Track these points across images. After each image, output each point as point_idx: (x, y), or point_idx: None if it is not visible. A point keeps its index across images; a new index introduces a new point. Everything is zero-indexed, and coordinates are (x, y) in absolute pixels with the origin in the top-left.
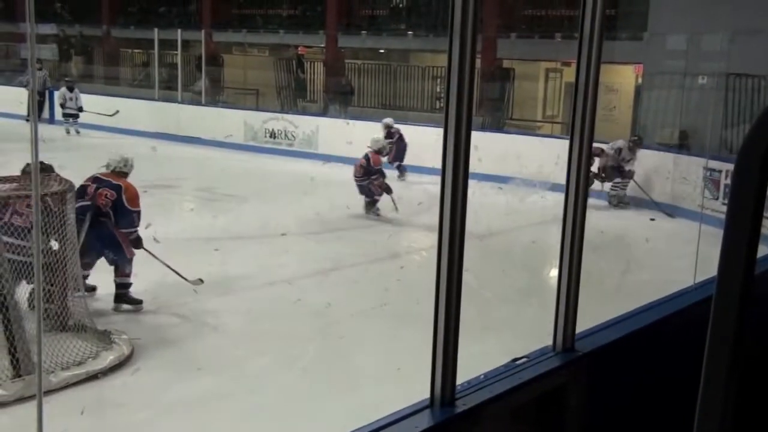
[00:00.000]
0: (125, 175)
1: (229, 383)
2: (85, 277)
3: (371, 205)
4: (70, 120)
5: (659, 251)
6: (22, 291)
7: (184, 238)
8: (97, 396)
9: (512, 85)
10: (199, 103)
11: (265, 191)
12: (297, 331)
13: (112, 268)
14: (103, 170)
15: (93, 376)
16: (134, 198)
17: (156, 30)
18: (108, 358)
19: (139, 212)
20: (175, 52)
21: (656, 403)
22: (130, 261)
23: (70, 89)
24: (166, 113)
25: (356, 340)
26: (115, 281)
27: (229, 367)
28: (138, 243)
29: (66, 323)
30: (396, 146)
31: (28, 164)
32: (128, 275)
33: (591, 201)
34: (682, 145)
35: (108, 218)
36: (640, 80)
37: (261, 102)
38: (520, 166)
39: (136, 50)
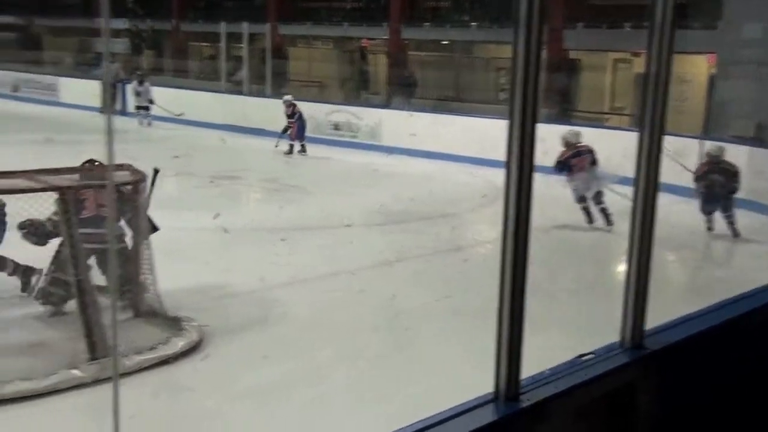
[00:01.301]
0: None
1: (295, 372)
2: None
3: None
4: (142, 112)
5: (734, 248)
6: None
7: (251, 228)
8: (168, 380)
9: (579, 77)
10: (264, 95)
11: (329, 183)
12: (361, 322)
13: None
14: None
15: (164, 361)
16: None
17: (223, 24)
18: (178, 344)
19: None
20: (242, 45)
21: (731, 403)
22: None
23: (141, 82)
24: (233, 105)
25: (420, 331)
26: None
27: (295, 355)
28: None
29: (139, 310)
30: (298, 124)
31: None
32: None
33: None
34: (759, 137)
35: None
36: (713, 70)
37: (324, 94)
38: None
39: (203, 44)
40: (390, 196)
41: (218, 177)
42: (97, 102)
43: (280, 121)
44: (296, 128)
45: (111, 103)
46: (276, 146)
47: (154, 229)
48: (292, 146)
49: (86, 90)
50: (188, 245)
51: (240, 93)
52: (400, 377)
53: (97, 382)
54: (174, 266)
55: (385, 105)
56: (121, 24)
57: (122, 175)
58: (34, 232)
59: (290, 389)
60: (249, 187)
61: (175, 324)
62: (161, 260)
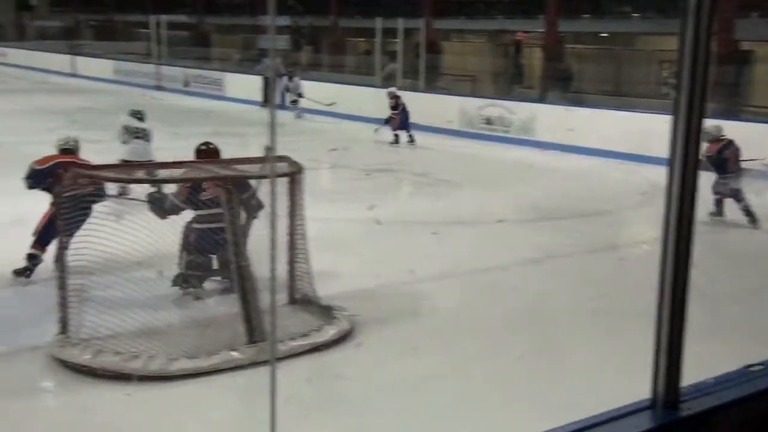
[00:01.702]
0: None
1: (443, 365)
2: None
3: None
4: (292, 106)
5: None
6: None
7: (403, 220)
8: (321, 366)
9: (751, 69)
10: (417, 90)
11: (480, 177)
12: (511, 319)
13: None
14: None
15: (316, 348)
16: None
17: (379, 19)
18: (330, 332)
19: None
20: (396, 40)
21: None
22: None
23: (290, 78)
24: (387, 100)
25: (570, 331)
26: None
27: (443, 349)
28: None
29: (294, 297)
30: (401, 115)
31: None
32: None
33: None
34: None
35: None
36: None
37: (477, 88)
38: (761, 157)
39: (359, 39)
40: (543, 192)
41: (372, 170)
42: (258, 96)
43: (433, 116)
44: (399, 119)
45: (273, 98)
46: (375, 131)
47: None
48: (397, 136)
49: (249, 85)
50: (342, 236)
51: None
52: (547, 377)
53: (253, 364)
54: (328, 256)
55: (540, 99)
56: (283, 21)
57: (281, 167)
58: (159, 205)
59: (438, 381)
60: (401, 180)
61: (327, 312)
62: (316, 250)
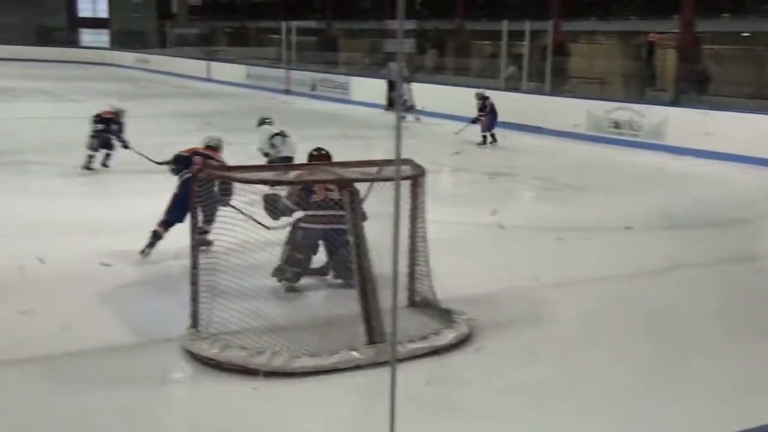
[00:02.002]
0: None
1: (563, 373)
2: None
3: None
4: (410, 110)
5: None
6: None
7: (526, 225)
8: (440, 370)
9: None
10: (542, 93)
11: (606, 182)
12: (634, 329)
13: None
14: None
15: (435, 351)
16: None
17: (505, 22)
18: (449, 335)
19: None
20: (523, 42)
21: None
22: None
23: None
24: (510, 103)
25: (698, 346)
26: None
27: (564, 357)
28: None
29: (413, 299)
30: (489, 116)
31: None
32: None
33: None
34: None
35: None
36: None
37: (606, 91)
38: None
39: (485, 42)
40: (675, 198)
41: (495, 173)
42: (383, 100)
43: (559, 119)
44: (488, 120)
45: (398, 101)
46: (456, 133)
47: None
48: (485, 137)
49: (374, 89)
50: (463, 240)
51: (518, 90)
52: (670, 393)
53: (373, 365)
54: (449, 259)
55: (672, 102)
56: (409, 25)
57: (404, 170)
58: (273, 206)
59: (558, 389)
60: (524, 184)
61: (446, 316)
62: (436, 253)
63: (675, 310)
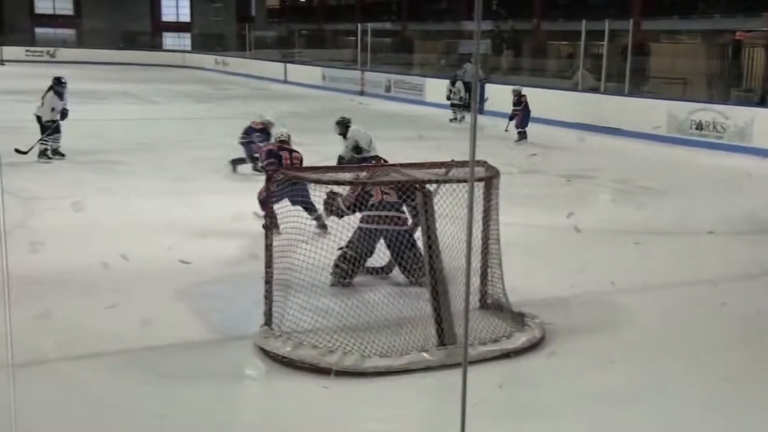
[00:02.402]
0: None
1: (641, 381)
2: None
3: None
4: (457, 110)
5: None
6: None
7: (603, 229)
8: (511, 373)
9: None
10: (621, 94)
11: (687, 185)
12: (717, 337)
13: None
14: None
15: (506, 355)
16: None
17: (584, 21)
18: (521, 339)
19: None
20: (601, 42)
21: None
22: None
23: (453, 83)
24: (588, 104)
25: None
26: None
27: (642, 364)
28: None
29: (485, 302)
30: (522, 113)
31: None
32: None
33: None
34: None
35: None
36: None
37: (688, 92)
38: None
39: (562, 42)
40: (762, 202)
41: (572, 176)
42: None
43: (638, 120)
44: (521, 116)
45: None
46: (506, 130)
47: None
48: (521, 133)
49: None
50: (539, 242)
51: (597, 91)
52: (757, 403)
53: (443, 367)
54: (522, 262)
55: (760, 103)
56: (485, 26)
57: (478, 171)
58: (331, 205)
59: (635, 397)
60: (602, 187)
61: (518, 319)
62: (510, 255)
63: (763, 318)
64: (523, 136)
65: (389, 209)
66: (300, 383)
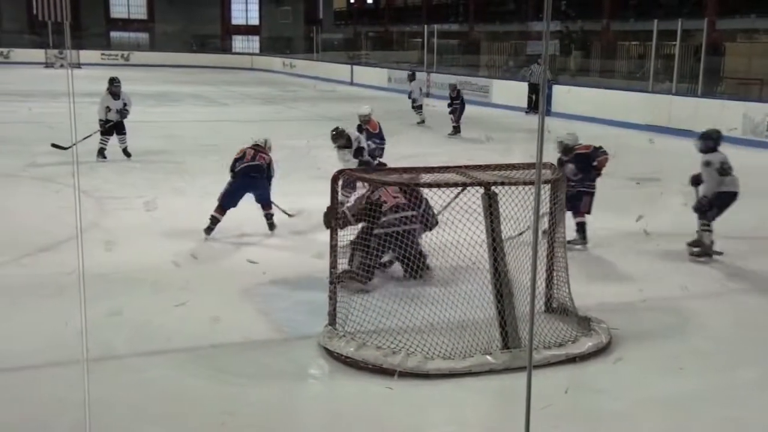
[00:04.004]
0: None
1: (712, 389)
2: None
3: None
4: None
5: None
6: None
7: (674, 233)
8: (577, 378)
9: None
10: (694, 95)
11: (763, 189)
12: None
13: None
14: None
15: (571, 359)
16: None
17: (655, 21)
18: (586, 344)
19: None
20: (673, 42)
21: None
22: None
23: (410, 79)
24: (659, 105)
25: None
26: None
27: (713, 372)
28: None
29: (550, 305)
30: (460, 107)
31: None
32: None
33: None
34: None
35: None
36: None
37: (765, 93)
38: None
39: (632, 42)
40: None
41: (642, 178)
42: (523, 103)
43: (712, 122)
44: (459, 111)
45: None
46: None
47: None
48: (455, 128)
49: (515, 91)
50: (607, 246)
51: (669, 92)
52: None
53: (506, 370)
54: (589, 266)
55: None
56: (554, 26)
57: (544, 174)
58: (327, 219)
59: (704, 405)
60: (673, 190)
61: (584, 324)
62: (577, 259)
63: None
64: (457, 130)
65: (405, 209)
66: (363, 384)
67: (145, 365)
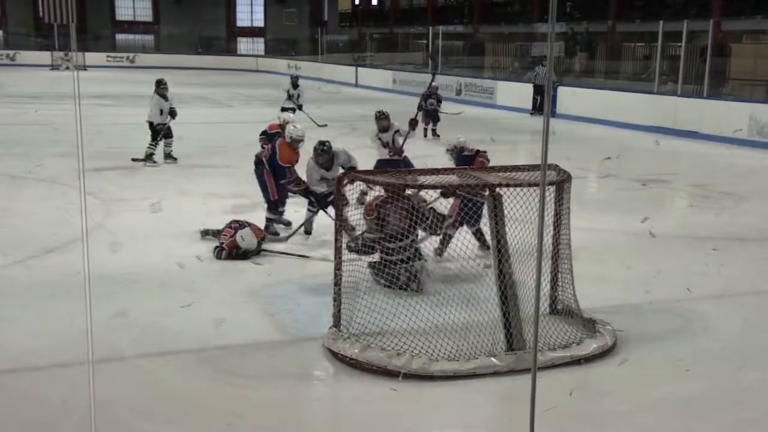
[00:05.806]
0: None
1: (718, 392)
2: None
3: None
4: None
5: None
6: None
7: (679, 234)
8: (582, 380)
9: None
10: (700, 96)
11: None
12: None
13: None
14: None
15: (576, 361)
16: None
17: (661, 22)
18: (591, 345)
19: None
20: (679, 44)
21: None
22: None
23: (294, 85)
24: (663, 107)
25: None
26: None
27: (719, 374)
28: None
29: (555, 307)
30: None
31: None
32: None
33: None
34: None
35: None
36: None
37: None
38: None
39: (638, 44)
40: None
41: (647, 180)
42: (528, 104)
43: (718, 123)
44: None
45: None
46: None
47: None
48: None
49: (519, 93)
50: (612, 248)
51: (674, 94)
52: None
53: (511, 372)
54: (594, 267)
55: None
56: (558, 28)
57: (549, 175)
58: (356, 248)
59: (710, 408)
60: (678, 192)
61: (589, 325)
62: (581, 261)
63: None
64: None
65: (402, 238)
66: (368, 385)
67: (150, 366)
